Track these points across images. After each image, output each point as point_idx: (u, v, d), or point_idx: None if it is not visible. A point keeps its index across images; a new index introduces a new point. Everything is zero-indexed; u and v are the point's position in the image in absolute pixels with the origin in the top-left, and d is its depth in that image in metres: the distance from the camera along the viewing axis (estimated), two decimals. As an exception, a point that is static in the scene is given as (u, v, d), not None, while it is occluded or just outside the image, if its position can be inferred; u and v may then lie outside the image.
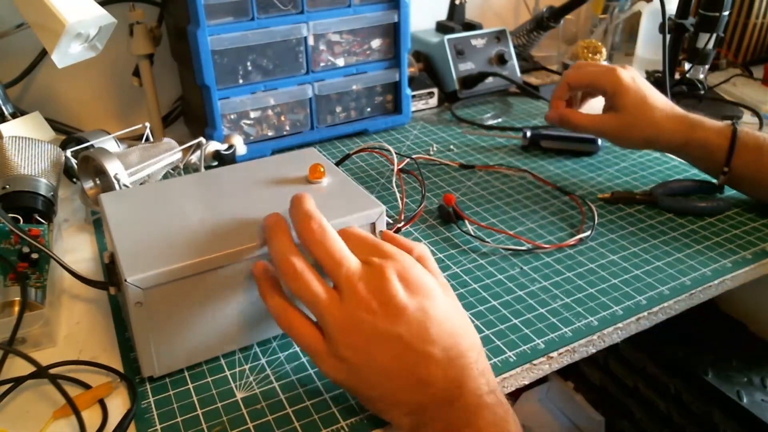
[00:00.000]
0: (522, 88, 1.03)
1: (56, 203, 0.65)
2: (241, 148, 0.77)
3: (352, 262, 0.42)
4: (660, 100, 0.70)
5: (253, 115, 0.83)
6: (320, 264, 0.42)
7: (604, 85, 0.71)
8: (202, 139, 0.70)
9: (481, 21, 1.10)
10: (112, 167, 0.63)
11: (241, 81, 0.80)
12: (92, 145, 0.72)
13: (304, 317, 0.43)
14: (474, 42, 1.02)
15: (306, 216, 0.43)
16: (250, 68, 0.80)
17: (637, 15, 1.14)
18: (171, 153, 0.68)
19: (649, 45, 1.12)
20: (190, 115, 0.92)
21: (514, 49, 1.07)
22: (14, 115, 0.79)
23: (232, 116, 0.82)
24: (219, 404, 0.46)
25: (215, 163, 0.75)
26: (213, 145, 0.74)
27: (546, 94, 1.02)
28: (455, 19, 1.07)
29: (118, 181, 0.63)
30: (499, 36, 1.03)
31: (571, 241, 0.64)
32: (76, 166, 0.67)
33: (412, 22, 0.90)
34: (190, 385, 0.48)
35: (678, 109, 0.70)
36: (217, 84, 0.78)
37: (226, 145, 0.75)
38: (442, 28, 1.07)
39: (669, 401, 0.89)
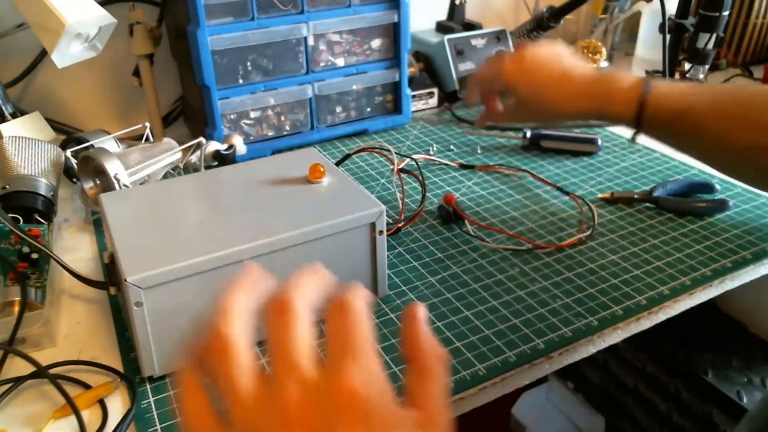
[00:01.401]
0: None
1: (56, 203, 0.65)
2: (241, 148, 0.77)
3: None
4: (557, 83, 0.62)
5: (253, 115, 0.83)
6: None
7: (500, 86, 0.66)
8: (202, 139, 0.70)
9: (481, 21, 1.09)
10: (112, 167, 0.63)
11: (241, 81, 0.80)
12: (92, 145, 0.72)
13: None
14: (474, 42, 1.01)
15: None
16: (250, 68, 0.80)
17: (637, 15, 1.14)
18: (171, 153, 0.68)
19: (649, 45, 1.12)
20: (190, 115, 0.92)
21: (514, 49, 1.07)
22: (14, 115, 0.79)
23: (232, 116, 0.82)
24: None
25: (215, 163, 0.75)
26: (213, 145, 0.74)
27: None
28: (455, 19, 1.07)
29: (118, 181, 0.63)
30: (499, 36, 1.03)
31: (571, 240, 0.64)
32: (76, 166, 0.67)
33: (412, 22, 0.90)
34: None
35: (580, 81, 0.61)
36: (217, 84, 0.78)
37: (226, 145, 0.75)
38: (442, 28, 1.07)
39: (669, 401, 0.89)
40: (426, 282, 0.59)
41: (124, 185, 0.62)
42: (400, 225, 0.66)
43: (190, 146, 0.70)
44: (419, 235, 0.66)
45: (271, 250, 0.48)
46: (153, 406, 0.46)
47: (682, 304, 0.57)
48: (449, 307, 0.55)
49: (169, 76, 0.93)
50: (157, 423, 0.45)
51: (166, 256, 0.46)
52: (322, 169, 0.56)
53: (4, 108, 0.78)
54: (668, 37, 0.92)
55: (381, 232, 0.52)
